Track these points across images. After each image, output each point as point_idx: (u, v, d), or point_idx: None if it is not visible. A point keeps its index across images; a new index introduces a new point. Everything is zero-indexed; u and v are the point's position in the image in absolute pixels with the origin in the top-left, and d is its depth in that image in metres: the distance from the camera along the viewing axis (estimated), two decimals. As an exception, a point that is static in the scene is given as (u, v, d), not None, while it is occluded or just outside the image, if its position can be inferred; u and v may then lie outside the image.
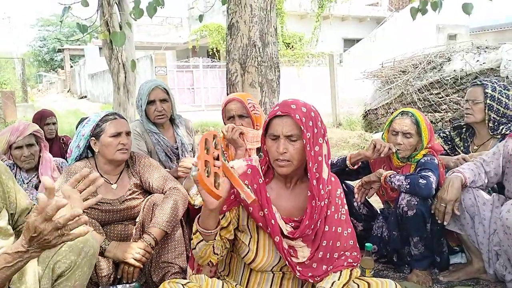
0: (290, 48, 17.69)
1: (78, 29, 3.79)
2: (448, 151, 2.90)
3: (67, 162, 2.44)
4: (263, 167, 1.69)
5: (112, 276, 2.12)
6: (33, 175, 2.90)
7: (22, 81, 17.97)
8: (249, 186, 1.50)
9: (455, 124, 2.96)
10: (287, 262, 1.61)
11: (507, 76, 6.12)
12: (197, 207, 2.37)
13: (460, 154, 2.73)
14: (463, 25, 17.07)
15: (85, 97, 25.18)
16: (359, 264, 1.78)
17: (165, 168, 2.76)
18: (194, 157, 2.67)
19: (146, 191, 2.43)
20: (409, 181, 2.26)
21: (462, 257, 2.60)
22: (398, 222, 2.39)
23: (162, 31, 23.82)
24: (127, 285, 2.12)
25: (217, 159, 1.46)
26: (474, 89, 2.73)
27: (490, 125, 2.65)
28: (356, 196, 2.51)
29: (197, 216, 1.56)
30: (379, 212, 2.78)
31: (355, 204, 2.67)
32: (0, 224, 1.54)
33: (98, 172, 2.30)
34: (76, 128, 2.94)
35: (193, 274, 1.78)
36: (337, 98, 10.59)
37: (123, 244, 2.16)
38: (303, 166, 1.62)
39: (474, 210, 2.25)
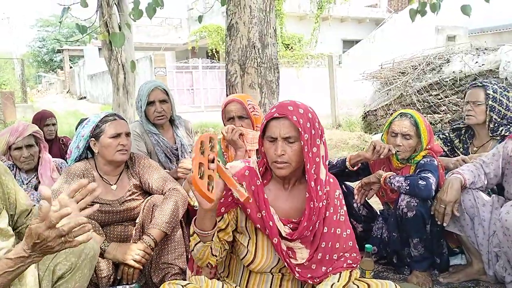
0: (290, 49, 17.70)
1: (78, 30, 3.79)
2: (447, 152, 2.89)
3: (67, 162, 2.44)
4: (261, 169, 1.69)
5: (112, 277, 2.12)
6: (33, 176, 2.90)
7: (21, 81, 17.98)
8: (243, 185, 1.50)
9: (454, 126, 2.95)
10: (286, 264, 1.61)
11: (506, 78, 6.12)
12: (196, 208, 2.37)
13: (459, 155, 2.73)
14: (462, 26, 17.12)
15: (85, 97, 25.17)
16: (358, 266, 1.78)
17: (165, 169, 2.76)
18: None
19: (146, 192, 2.43)
20: (408, 183, 2.26)
21: (462, 259, 2.60)
22: (397, 223, 2.39)
23: (161, 32, 23.82)
24: (127, 286, 2.12)
25: (213, 161, 1.45)
26: (475, 91, 2.72)
27: (490, 126, 2.65)
28: (355, 197, 2.51)
29: (194, 218, 1.56)
30: (378, 213, 2.78)
31: (354, 205, 2.67)
32: (0, 225, 1.54)
33: (98, 173, 2.30)
34: (76, 129, 2.94)
35: (192, 275, 1.77)
36: (336, 99, 10.60)
37: (122, 245, 2.16)
38: (301, 167, 1.62)
39: (474, 211, 2.25)
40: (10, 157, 2.84)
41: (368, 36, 17.97)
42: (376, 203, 2.93)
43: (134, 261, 2.08)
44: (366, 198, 2.54)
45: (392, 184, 2.33)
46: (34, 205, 1.77)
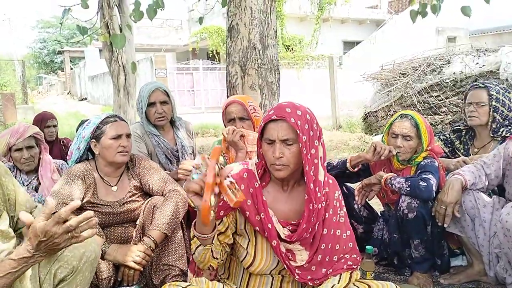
0: (290, 51, 17.71)
1: (78, 31, 3.80)
2: (448, 153, 2.89)
3: (67, 164, 2.44)
4: (259, 171, 1.69)
5: (112, 278, 2.12)
6: (33, 177, 2.90)
7: (22, 83, 17.99)
8: (237, 187, 1.45)
9: (454, 128, 2.95)
10: (285, 266, 1.61)
11: (507, 79, 6.12)
12: (197, 210, 2.37)
13: (460, 157, 2.73)
14: (462, 28, 17.13)
15: (85, 99, 25.20)
16: (359, 267, 1.78)
17: (165, 170, 2.76)
18: (194, 159, 2.67)
19: (146, 194, 2.43)
20: (409, 184, 2.26)
21: (463, 260, 2.60)
22: (398, 225, 2.39)
23: (162, 33, 23.86)
24: (128, 287, 2.12)
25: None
26: (477, 92, 2.70)
27: (493, 127, 2.65)
28: (356, 198, 2.51)
29: (194, 221, 1.56)
30: (379, 214, 2.77)
31: (355, 206, 2.67)
32: (1, 227, 1.54)
33: (98, 174, 2.31)
34: (77, 130, 2.94)
35: (194, 278, 1.77)
36: (337, 101, 10.60)
37: (123, 246, 2.16)
38: (300, 169, 1.61)
39: (475, 212, 2.25)
40: (10, 159, 2.84)
41: (369, 38, 17.98)
42: (376, 204, 2.93)
43: (135, 262, 2.08)
44: (367, 199, 2.53)
45: (393, 185, 2.33)
46: (36, 206, 1.77)
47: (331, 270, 1.67)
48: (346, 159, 2.55)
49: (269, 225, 1.59)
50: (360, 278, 1.72)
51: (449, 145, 2.91)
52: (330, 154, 7.05)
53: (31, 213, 1.71)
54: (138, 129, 2.86)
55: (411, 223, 2.28)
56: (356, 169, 2.53)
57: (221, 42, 16.95)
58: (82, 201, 2.22)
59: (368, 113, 8.76)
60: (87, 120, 2.45)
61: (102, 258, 2.09)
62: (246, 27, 3.58)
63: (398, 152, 2.46)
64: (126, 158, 2.29)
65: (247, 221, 1.64)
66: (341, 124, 10.31)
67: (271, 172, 1.63)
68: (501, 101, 2.62)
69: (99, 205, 2.26)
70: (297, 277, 1.62)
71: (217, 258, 1.62)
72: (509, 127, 2.62)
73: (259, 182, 1.64)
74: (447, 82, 6.96)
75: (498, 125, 2.63)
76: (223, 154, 2.71)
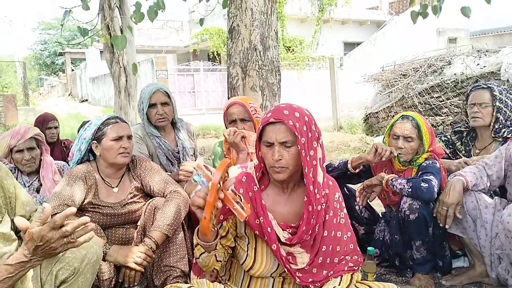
0: (291, 52, 17.73)
1: (79, 33, 3.81)
2: (449, 154, 2.89)
3: (69, 165, 2.44)
4: (257, 174, 1.68)
5: (113, 280, 2.11)
6: (34, 179, 2.90)
7: (23, 84, 18.01)
8: (242, 199, 1.47)
9: (456, 129, 2.94)
10: (286, 269, 1.60)
11: (508, 80, 6.12)
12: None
13: (461, 158, 2.73)
14: (463, 28, 17.14)
15: (86, 100, 25.22)
16: (361, 268, 1.77)
17: (166, 171, 2.75)
18: (195, 161, 2.67)
19: (147, 195, 2.43)
20: (411, 185, 2.25)
21: (465, 261, 2.59)
22: (400, 226, 2.38)
23: (163, 35, 23.88)
24: (129, 289, 2.12)
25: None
26: (481, 92, 2.69)
27: (495, 127, 2.64)
28: (357, 199, 2.51)
29: (196, 229, 1.56)
30: (380, 215, 2.77)
31: (356, 207, 2.67)
32: (3, 230, 1.54)
33: (100, 175, 2.30)
34: (78, 131, 2.94)
35: (196, 279, 1.77)
36: (337, 102, 10.59)
37: (124, 248, 2.16)
38: (299, 171, 1.61)
39: (476, 213, 2.24)
40: (11, 160, 2.84)
41: (369, 39, 18.00)
42: (378, 206, 2.92)
43: (136, 263, 2.07)
44: (368, 201, 2.53)
45: (394, 187, 2.33)
46: (36, 210, 1.77)
47: (332, 272, 1.66)
48: (347, 160, 2.55)
49: (269, 229, 1.58)
50: (361, 280, 1.72)
51: (451, 146, 2.91)
52: (331, 155, 7.04)
53: (30, 216, 1.71)
54: (139, 131, 2.86)
55: (412, 224, 2.28)
56: (357, 170, 2.53)
57: (222, 43, 16.98)
58: (83, 202, 2.22)
59: (369, 114, 8.75)
60: (88, 121, 2.45)
61: (103, 259, 2.09)
62: (247, 28, 3.58)
63: (399, 153, 2.46)
64: (127, 160, 2.29)
65: (246, 225, 1.63)
66: (342, 125, 10.31)
67: (270, 174, 1.63)
68: (504, 102, 2.61)
69: (100, 206, 2.26)
70: (298, 280, 1.61)
71: (220, 261, 1.62)
72: (511, 128, 2.61)
73: (257, 186, 1.64)
74: (448, 83, 6.96)
75: (501, 126, 2.63)
76: (225, 155, 2.71)
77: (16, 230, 1.65)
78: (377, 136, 7.98)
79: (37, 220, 1.31)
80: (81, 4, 3.88)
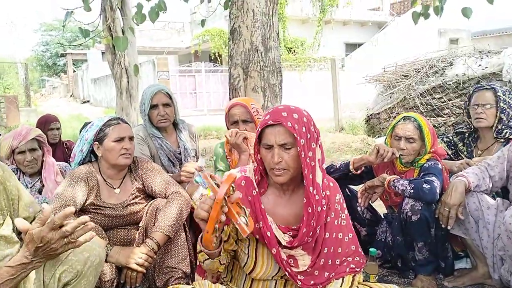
0: (292, 53, 17.74)
1: (81, 34, 3.81)
2: (451, 155, 2.88)
3: (71, 166, 2.45)
4: (256, 177, 1.67)
5: (115, 281, 2.11)
6: (37, 180, 2.90)
7: (25, 85, 18.07)
8: (247, 213, 1.47)
9: (457, 130, 2.94)
10: (286, 273, 1.60)
11: (510, 81, 6.11)
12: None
13: (463, 159, 2.72)
14: (465, 29, 17.09)
15: (88, 101, 25.26)
16: (363, 270, 1.77)
17: (168, 172, 2.75)
18: (197, 161, 2.67)
19: (149, 196, 2.43)
20: (413, 186, 2.25)
21: (467, 262, 2.59)
22: (402, 227, 2.38)
23: (164, 36, 23.91)
24: (130, 290, 2.12)
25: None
26: (484, 93, 2.67)
27: (498, 128, 2.63)
28: (359, 200, 2.50)
29: (200, 236, 1.56)
30: (382, 217, 2.77)
31: (358, 209, 2.66)
32: (5, 232, 1.54)
33: (101, 176, 2.31)
34: (80, 132, 2.95)
35: (197, 281, 1.77)
36: (339, 103, 10.58)
37: (125, 249, 2.16)
38: (300, 173, 1.60)
39: (478, 214, 2.23)
40: (13, 161, 2.85)
41: (371, 40, 17.99)
42: (380, 207, 2.92)
43: (137, 264, 2.07)
44: (370, 202, 2.53)
45: (396, 188, 2.32)
46: (40, 210, 1.77)
47: (333, 273, 1.66)
48: (349, 162, 2.55)
49: (268, 233, 1.58)
50: (363, 281, 1.71)
51: (452, 147, 2.90)
52: (333, 156, 7.04)
53: (35, 217, 1.71)
54: (141, 132, 2.86)
55: (414, 225, 2.27)
56: (359, 172, 2.53)
57: (223, 44, 16.99)
58: (85, 203, 2.22)
59: (370, 115, 8.75)
60: (90, 122, 2.45)
61: (105, 260, 2.09)
62: (248, 29, 3.59)
63: (401, 155, 2.46)
64: (128, 161, 2.29)
65: None
66: (343, 126, 10.30)
67: (270, 177, 1.62)
68: (507, 103, 2.61)
69: (102, 207, 2.26)
70: (300, 283, 1.61)
71: (224, 264, 1.62)
72: (513, 129, 2.61)
73: (257, 190, 1.63)
74: (450, 84, 6.95)
75: (503, 127, 2.62)
76: (226, 157, 2.71)
77: (19, 232, 1.65)
78: (378, 137, 7.97)
79: (37, 221, 1.31)
80: (83, 5, 3.88)
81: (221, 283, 1.77)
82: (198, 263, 2.15)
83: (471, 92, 2.79)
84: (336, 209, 1.69)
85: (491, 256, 2.24)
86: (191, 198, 2.42)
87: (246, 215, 1.44)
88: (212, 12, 5.80)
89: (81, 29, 3.79)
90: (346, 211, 1.75)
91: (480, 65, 6.70)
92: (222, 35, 17.10)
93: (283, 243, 1.61)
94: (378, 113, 8.38)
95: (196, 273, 2.13)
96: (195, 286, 1.59)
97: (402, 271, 2.56)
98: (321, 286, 1.63)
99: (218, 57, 17.66)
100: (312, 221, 1.58)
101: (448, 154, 2.84)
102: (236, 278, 1.77)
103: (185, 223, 2.33)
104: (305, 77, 16.47)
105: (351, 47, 19.85)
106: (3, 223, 1.56)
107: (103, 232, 2.22)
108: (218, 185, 1.39)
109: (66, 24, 4.05)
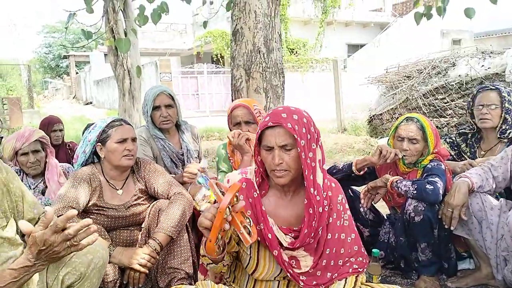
0: (294, 54, 17.74)
1: (83, 36, 3.81)
2: (454, 156, 2.87)
3: (73, 167, 2.45)
4: (257, 179, 1.67)
5: (118, 281, 2.11)
6: (40, 181, 2.91)
7: (28, 87, 18.11)
8: (251, 222, 1.46)
9: (460, 131, 2.93)
10: (288, 274, 1.60)
11: (513, 81, 6.09)
12: (202, 212, 2.37)
13: (466, 159, 2.71)
14: (467, 30, 17.09)
15: (91, 103, 25.32)
16: (366, 270, 1.76)
17: (171, 174, 2.76)
18: (199, 163, 2.67)
19: (151, 197, 2.44)
20: (416, 187, 2.24)
21: (470, 263, 2.58)
22: (405, 228, 2.37)
23: (166, 38, 23.96)
24: (133, 291, 2.12)
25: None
26: (489, 94, 2.66)
27: (502, 128, 2.62)
28: (362, 201, 2.50)
29: (203, 242, 1.56)
30: (385, 217, 2.76)
31: (361, 209, 2.66)
32: (8, 234, 1.54)
33: (104, 177, 2.31)
34: (83, 134, 2.95)
35: (206, 279, 1.77)
36: (341, 104, 10.58)
37: (128, 249, 2.16)
38: (301, 174, 1.59)
39: (482, 214, 2.23)
40: (16, 163, 2.86)
41: (373, 40, 17.98)
42: (383, 208, 2.91)
43: (140, 265, 2.07)
44: (373, 202, 2.52)
45: (399, 189, 2.32)
46: (44, 212, 1.77)
47: (336, 274, 1.66)
48: (352, 162, 2.54)
49: (269, 235, 1.58)
50: (366, 282, 1.71)
51: (455, 148, 2.90)
52: (335, 157, 7.03)
53: (39, 218, 1.71)
54: (144, 133, 2.87)
55: (417, 226, 2.27)
56: (361, 172, 2.52)
57: (226, 46, 17.01)
58: (88, 204, 2.23)
59: (373, 116, 8.73)
60: (93, 124, 2.46)
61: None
62: (251, 30, 3.59)
63: (404, 155, 2.45)
64: (131, 162, 2.29)
65: None
66: (346, 127, 10.29)
67: (271, 178, 1.62)
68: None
69: (104, 208, 2.26)
70: (302, 284, 1.61)
71: (228, 265, 1.62)
72: (517, 129, 2.60)
73: (257, 192, 1.63)
74: (453, 85, 6.94)
75: (507, 127, 2.61)
76: (229, 158, 2.71)
77: (23, 234, 1.65)
78: (381, 138, 7.96)
79: (39, 224, 1.31)
80: (85, 7, 3.89)
81: (224, 283, 1.77)
82: (200, 262, 2.16)
83: (475, 92, 2.78)
84: (338, 209, 1.69)
85: (495, 257, 2.23)
86: (194, 199, 2.43)
87: (249, 225, 1.43)
88: (214, 14, 5.81)
89: (84, 31, 3.79)
90: (349, 212, 1.75)
91: (483, 65, 6.68)
92: (224, 36, 17.11)
93: (285, 244, 1.60)
94: (381, 114, 8.37)
95: (198, 272, 2.13)
96: (198, 287, 1.59)
97: (405, 271, 2.55)
98: (323, 287, 1.63)
99: (220, 59, 17.67)
100: (314, 222, 1.58)
101: (451, 155, 2.84)
102: (239, 279, 1.77)
103: (187, 223, 2.33)
104: (307, 78, 16.47)
105: (353, 48, 19.85)
106: (6, 225, 1.56)
107: (106, 233, 2.22)
108: (223, 193, 1.39)
109: (69, 26, 4.06)
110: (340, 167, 2.60)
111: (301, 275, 1.62)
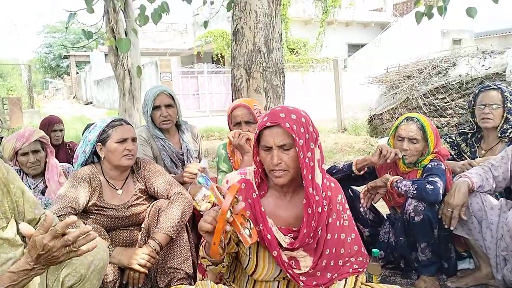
0: (295, 54, 17.74)
1: (84, 36, 3.82)
2: (454, 156, 2.87)
3: (73, 167, 2.45)
4: (256, 179, 1.67)
5: (117, 282, 2.11)
6: (40, 181, 2.91)
7: (28, 87, 18.12)
8: (251, 224, 1.47)
9: (460, 130, 2.93)
10: (288, 275, 1.60)
11: (513, 81, 6.08)
12: (202, 213, 2.37)
13: (466, 159, 2.71)
14: (468, 30, 17.07)
15: (91, 103, 25.34)
16: (366, 270, 1.76)
17: (170, 174, 2.76)
18: (199, 162, 2.67)
19: (151, 197, 2.44)
20: (416, 187, 2.24)
21: (470, 263, 2.58)
22: (405, 228, 2.37)
23: (167, 38, 23.97)
24: (133, 291, 2.12)
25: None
26: (491, 93, 2.66)
27: (504, 127, 2.62)
28: (362, 201, 2.50)
29: (203, 244, 1.55)
30: (385, 217, 2.76)
31: (361, 209, 2.66)
32: (9, 235, 1.53)
33: (104, 177, 2.31)
34: (83, 134, 2.96)
35: (204, 279, 1.77)
36: (342, 103, 10.58)
37: (128, 249, 2.16)
38: (300, 173, 1.59)
39: (482, 214, 2.23)
40: (16, 163, 2.86)
41: (374, 40, 17.97)
42: (382, 207, 2.91)
43: (140, 265, 2.07)
44: (373, 202, 2.52)
45: (399, 188, 2.32)
46: (44, 213, 1.77)
47: (336, 274, 1.65)
48: (352, 162, 2.54)
49: (269, 236, 1.57)
50: (366, 282, 1.71)
51: (455, 148, 2.90)
52: (335, 157, 7.03)
53: (40, 219, 1.71)
54: (144, 133, 2.87)
55: (417, 226, 2.27)
56: (361, 172, 2.52)
57: (226, 45, 17.01)
58: (87, 204, 2.23)
59: (373, 115, 8.73)
60: (93, 123, 2.46)
61: (107, 261, 2.10)
62: (251, 30, 3.59)
63: (404, 155, 2.45)
64: (131, 162, 2.29)
65: None
66: (346, 127, 10.29)
67: (270, 179, 1.62)
68: None
69: (104, 208, 2.26)
70: (302, 284, 1.60)
71: (227, 265, 1.62)
72: (517, 129, 2.60)
73: (257, 193, 1.63)
74: (453, 85, 6.93)
75: (508, 127, 2.61)
76: (229, 158, 2.71)
77: (23, 235, 1.65)
78: (381, 137, 7.95)
79: (40, 228, 1.30)
80: (86, 7, 3.89)
81: (224, 283, 1.77)
82: (199, 262, 2.16)
83: (476, 91, 2.77)
84: (338, 210, 1.68)
85: (494, 257, 2.23)
86: (194, 199, 2.43)
87: (250, 227, 1.43)
88: (215, 14, 5.82)
89: (84, 31, 3.80)
90: (349, 212, 1.74)
91: (483, 65, 6.67)
92: (225, 36, 17.12)
93: (284, 245, 1.60)
94: (381, 114, 8.37)
95: (197, 271, 2.13)
96: (198, 287, 1.59)
97: (405, 271, 2.56)
98: (323, 287, 1.63)
99: (220, 58, 17.67)
100: (313, 221, 1.57)
101: (451, 155, 2.84)
102: (238, 279, 1.77)
103: (187, 223, 2.33)
104: (308, 78, 16.47)
105: (354, 47, 19.84)
106: (6, 225, 1.56)
107: (106, 233, 2.22)
108: (224, 196, 1.39)
109: (69, 26, 4.06)
110: (340, 167, 2.60)
111: (301, 275, 1.61)
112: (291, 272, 1.59)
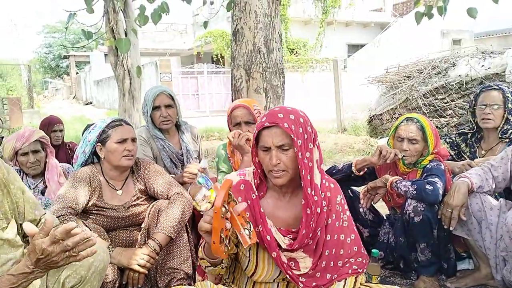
0: (294, 54, 17.74)
1: (83, 36, 3.82)
2: (454, 156, 2.87)
3: (73, 167, 2.45)
4: (255, 180, 1.67)
5: (117, 282, 2.11)
6: (39, 181, 2.91)
7: (28, 87, 18.12)
8: (251, 226, 1.46)
9: (460, 131, 2.93)
10: (288, 276, 1.60)
11: (513, 81, 6.09)
12: (202, 213, 2.37)
13: (466, 160, 2.71)
14: (468, 30, 17.07)
15: (91, 103, 25.33)
16: (365, 271, 1.76)
17: (170, 174, 2.76)
18: (199, 163, 2.67)
19: (151, 197, 2.44)
20: (415, 187, 2.25)
21: (470, 263, 2.58)
22: (404, 228, 2.37)
23: (167, 38, 23.97)
24: (133, 291, 2.12)
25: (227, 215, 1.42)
26: (492, 94, 2.65)
27: (504, 128, 2.62)
28: (361, 201, 2.50)
29: (202, 245, 1.55)
30: (385, 218, 2.76)
31: (361, 210, 2.66)
32: (9, 236, 1.53)
33: (104, 177, 2.31)
34: (82, 134, 2.96)
35: (203, 280, 1.77)
36: (341, 104, 10.58)
37: (127, 250, 2.16)
38: (299, 174, 1.58)
39: (481, 215, 2.23)
40: (16, 163, 2.86)
41: (373, 40, 17.98)
42: (382, 208, 2.91)
43: (139, 265, 2.07)
44: (372, 203, 2.52)
45: (399, 189, 2.32)
46: (45, 213, 1.77)
47: (336, 275, 1.65)
48: (352, 163, 2.54)
49: (268, 237, 1.57)
50: (366, 282, 1.71)
51: (455, 148, 2.90)
52: (335, 157, 7.03)
53: (40, 219, 1.71)
54: (144, 133, 2.87)
55: (417, 226, 2.27)
56: (361, 173, 2.52)
57: (226, 46, 17.01)
58: (87, 204, 2.23)
59: (373, 116, 8.73)
60: (93, 124, 2.46)
61: (107, 262, 2.10)
62: (251, 30, 3.59)
63: (404, 156, 2.45)
64: (131, 162, 2.29)
65: None
66: (346, 127, 10.29)
67: (269, 179, 1.62)
68: None
69: (104, 209, 2.27)
70: (301, 285, 1.60)
71: (226, 266, 1.62)
72: (517, 129, 2.60)
73: (256, 194, 1.62)
74: (453, 85, 6.93)
75: (509, 127, 2.61)
76: (229, 158, 2.71)
77: (24, 235, 1.65)
78: (381, 138, 7.95)
79: (40, 232, 1.30)
80: (86, 7, 3.89)
81: (223, 284, 1.77)
82: (198, 264, 2.16)
83: (478, 91, 2.76)
84: (337, 210, 1.68)
85: (494, 257, 2.24)
86: (194, 199, 2.43)
87: (250, 229, 1.43)
88: (215, 14, 5.82)
89: (84, 31, 3.80)
90: (348, 212, 1.74)
91: (483, 65, 6.68)
92: (225, 36, 17.12)
93: (283, 246, 1.60)
94: (381, 114, 8.37)
95: (196, 273, 2.13)
96: (197, 287, 1.59)
97: (404, 272, 2.56)
98: (323, 288, 1.63)
99: (220, 59, 17.68)
100: (311, 222, 1.57)
101: (450, 155, 2.83)
102: (238, 279, 1.77)
103: (187, 224, 2.33)
104: (308, 78, 16.48)
105: (354, 48, 19.85)
106: (7, 226, 1.56)
107: (105, 233, 2.22)
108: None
109: (69, 26, 4.06)
110: (339, 168, 2.60)
111: (301, 276, 1.61)
112: (291, 273, 1.59)
